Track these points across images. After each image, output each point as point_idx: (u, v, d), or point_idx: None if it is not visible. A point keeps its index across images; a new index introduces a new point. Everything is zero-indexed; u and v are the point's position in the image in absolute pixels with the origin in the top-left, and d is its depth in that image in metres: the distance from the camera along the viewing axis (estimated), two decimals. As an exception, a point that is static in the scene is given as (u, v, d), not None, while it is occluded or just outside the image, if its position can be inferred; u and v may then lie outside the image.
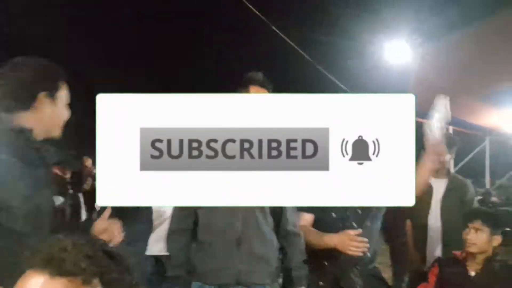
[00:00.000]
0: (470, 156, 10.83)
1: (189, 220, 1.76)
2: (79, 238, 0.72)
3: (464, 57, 7.38)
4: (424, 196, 2.79)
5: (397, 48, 7.06)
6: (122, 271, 0.71)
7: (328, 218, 2.03)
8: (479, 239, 2.19)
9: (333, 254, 1.98)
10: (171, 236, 1.78)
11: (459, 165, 12.03)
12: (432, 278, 2.34)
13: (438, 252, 2.65)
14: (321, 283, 1.96)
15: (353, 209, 2.07)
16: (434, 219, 2.72)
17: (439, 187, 2.75)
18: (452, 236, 2.56)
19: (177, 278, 1.69)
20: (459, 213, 2.53)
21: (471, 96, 8.77)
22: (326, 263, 2.00)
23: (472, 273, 2.23)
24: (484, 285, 2.18)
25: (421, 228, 2.77)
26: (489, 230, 2.19)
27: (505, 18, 6.55)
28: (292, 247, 1.86)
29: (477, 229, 2.20)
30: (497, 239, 2.22)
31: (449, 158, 2.79)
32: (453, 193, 2.71)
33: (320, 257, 1.98)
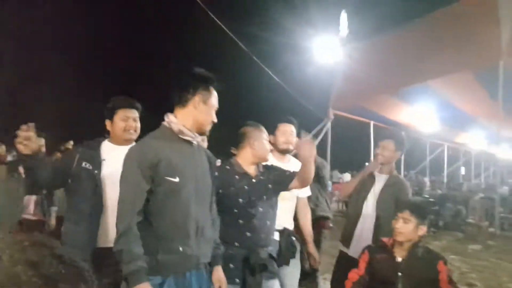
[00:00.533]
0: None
1: (140, 214, 1.67)
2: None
3: (385, 56, 7.95)
4: (365, 185, 2.97)
5: (327, 45, 7.39)
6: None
7: (236, 204, 2.25)
8: (406, 228, 2.32)
9: (243, 235, 2.21)
10: (127, 232, 1.62)
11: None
12: (362, 264, 2.46)
13: (368, 238, 2.82)
14: (231, 265, 2.16)
15: (261, 196, 2.28)
16: (369, 208, 2.89)
17: (380, 181, 2.94)
18: (383, 226, 2.74)
19: (141, 270, 1.60)
20: (392, 207, 2.70)
21: (390, 94, 9.50)
22: (237, 244, 2.21)
23: (399, 259, 2.37)
24: (409, 269, 2.32)
25: (355, 213, 2.95)
26: (416, 221, 2.32)
27: (422, 25, 7.17)
28: (216, 229, 2.00)
29: (405, 219, 2.33)
30: (423, 229, 2.35)
31: (395, 157, 2.97)
32: (390, 189, 2.88)
33: (231, 239, 2.19)
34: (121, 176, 1.71)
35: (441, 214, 9.62)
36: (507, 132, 11.91)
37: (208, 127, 1.86)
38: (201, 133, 1.85)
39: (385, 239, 2.47)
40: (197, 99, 1.79)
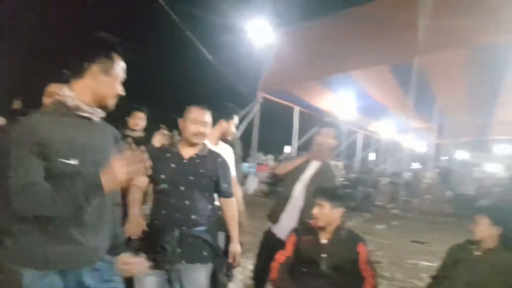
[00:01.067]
0: (308, 134, 12.27)
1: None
2: None
3: (313, 44, 8.18)
4: (298, 168, 3.05)
5: (259, 28, 7.38)
6: None
7: (159, 180, 2.22)
8: (321, 213, 2.45)
9: (160, 213, 2.19)
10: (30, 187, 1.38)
11: (300, 141, 13.59)
12: (289, 246, 2.53)
13: (294, 220, 2.91)
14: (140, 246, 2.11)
15: (186, 177, 2.24)
16: (299, 191, 2.97)
17: (313, 166, 3.02)
18: (309, 210, 2.85)
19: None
20: None
21: (315, 80, 9.86)
22: (156, 222, 2.19)
23: (324, 241, 2.47)
24: (332, 250, 2.43)
25: (286, 194, 3.01)
26: (329, 204, 2.44)
27: (349, 16, 7.49)
28: (116, 217, 1.81)
29: (319, 204, 2.45)
30: (339, 211, 2.48)
31: (333, 145, 3.05)
32: (320, 176, 2.97)
33: (152, 216, 2.19)
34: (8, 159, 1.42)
35: (353, 196, 10.39)
36: (414, 123, 13.16)
37: (111, 102, 1.63)
38: (104, 108, 1.62)
39: (312, 222, 2.57)
40: (96, 68, 1.56)
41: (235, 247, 2.43)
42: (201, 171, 2.26)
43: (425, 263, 5.51)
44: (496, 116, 10.85)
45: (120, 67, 1.63)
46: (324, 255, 2.41)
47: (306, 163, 3.05)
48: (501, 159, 17.42)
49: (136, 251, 2.07)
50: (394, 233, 7.88)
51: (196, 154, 2.30)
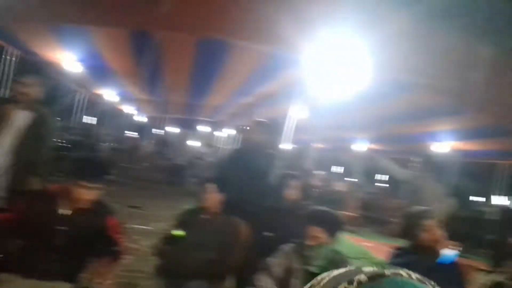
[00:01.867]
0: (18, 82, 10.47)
1: None
2: None
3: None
4: (5, 122, 2.68)
5: None
6: None
7: None
8: (90, 194, 2.27)
9: None
10: None
11: (9, 91, 11.39)
12: (12, 214, 2.19)
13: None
14: None
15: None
16: (6, 146, 2.65)
17: (21, 118, 2.74)
18: (23, 166, 2.57)
19: None
20: (35, 145, 2.57)
21: (43, 24, 8.47)
22: None
23: (65, 212, 2.24)
24: (75, 222, 2.21)
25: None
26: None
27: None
28: None
29: (90, 188, 2.26)
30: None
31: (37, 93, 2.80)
32: (34, 126, 2.75)
33: None
34: None
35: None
36: (139, 94, 13.60)
37: None
38: None
39: (53, 187, 2.29)
40: None
41: None
42: None
43: (140, 226, 5.93)
44: (205, 100, 12.71)
45: None
46: (64, 228, 2.19)
47: (9, 114, 2.78)
48: (202, 137, 20.53)
49: None
50: (111, 198, 7.98)
51: None
